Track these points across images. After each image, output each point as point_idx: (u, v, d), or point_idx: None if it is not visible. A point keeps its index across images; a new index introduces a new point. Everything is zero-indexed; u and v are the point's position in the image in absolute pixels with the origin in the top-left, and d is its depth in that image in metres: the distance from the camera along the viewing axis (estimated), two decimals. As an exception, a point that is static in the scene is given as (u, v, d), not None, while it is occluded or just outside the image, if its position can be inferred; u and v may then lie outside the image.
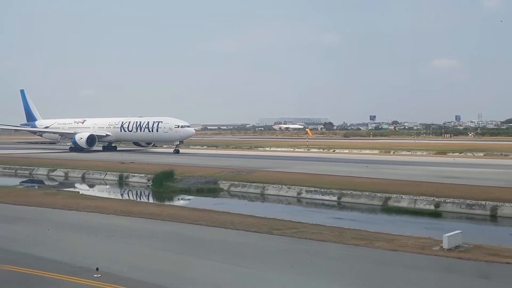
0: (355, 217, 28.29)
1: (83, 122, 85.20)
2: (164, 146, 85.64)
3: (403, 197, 30.67)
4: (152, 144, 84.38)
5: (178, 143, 71.91)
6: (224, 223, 20.25)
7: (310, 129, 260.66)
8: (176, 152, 69.87)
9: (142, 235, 18.42)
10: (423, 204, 29.61)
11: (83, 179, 44.62)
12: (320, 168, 44.39)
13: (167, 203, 31.98)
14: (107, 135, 78.74)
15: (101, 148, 78.63)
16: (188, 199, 35.13)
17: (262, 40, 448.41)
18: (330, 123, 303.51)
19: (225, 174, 40.83)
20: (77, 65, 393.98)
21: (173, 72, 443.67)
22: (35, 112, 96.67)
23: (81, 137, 74.05)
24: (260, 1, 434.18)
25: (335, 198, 32.77)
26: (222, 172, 41.47)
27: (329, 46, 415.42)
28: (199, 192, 36.17)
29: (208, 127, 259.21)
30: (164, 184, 37.19)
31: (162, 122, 72.60)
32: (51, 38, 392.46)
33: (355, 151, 79.56)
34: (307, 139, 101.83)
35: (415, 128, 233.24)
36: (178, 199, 35.17)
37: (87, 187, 42.37)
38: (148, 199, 36.29)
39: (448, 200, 29.20)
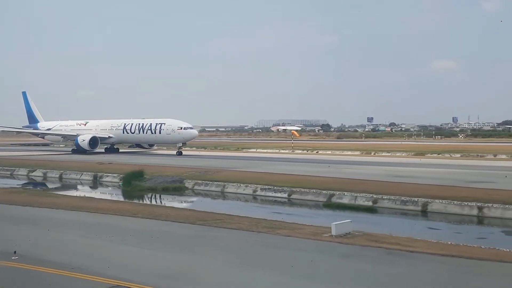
0: (292, 211, 30.70)
1: (85, 124, 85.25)
2: (164, 148, 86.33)
3: (346, 194, 33.09)
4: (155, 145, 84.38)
5: (181, 145, 72.02)
6: (158, 215, 22.74)
7: (308, 131, 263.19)
8: (179, 154, 69.91)
9: (72, 225, 20.75)
10: (363, 200, 32.02)
11: (60, 179, 47.04)
12: (287, 168, 46.79)
13: (124, 200, 34.46)
14: (109, 137, 78.79)
15: (103, 150, 78.82)
16: (147, 197, 37.29)
17: (262, 42, 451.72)
18: (328, 125, 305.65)
19: (193, 173, 43.31)
20: (78, 66, 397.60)
21: (173, 74, 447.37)
22: (37, 114, 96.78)
23: (84, 139, 74.17)
24: (260, 3, 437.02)
25: (285, 195, 35.28)
26: (190, 172, 43.95)
27: (329, 47, 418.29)
28: (165, 190, 38.57)
29: (206, 129, 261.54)
30: (132, 183, 39.63)
31: (165, 123, 72.61)
32: (51, 39, 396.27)
33: (338, 152, 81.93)
34: (292, 141, 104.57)
35: (411, 129, 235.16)
36: (138, 197, 37.08)
37: (58, 186, 44.29)
38: (110, 197, 38.08)
39: (385, 197, 31.59)
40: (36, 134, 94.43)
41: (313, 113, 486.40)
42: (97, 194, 39.73)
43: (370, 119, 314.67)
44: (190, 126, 72.79)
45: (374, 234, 19.23)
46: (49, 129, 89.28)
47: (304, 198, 34.28)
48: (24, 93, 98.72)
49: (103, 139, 77.51)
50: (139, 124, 76.24)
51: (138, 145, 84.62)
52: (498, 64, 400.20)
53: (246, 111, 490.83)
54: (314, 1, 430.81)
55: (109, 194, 39.44)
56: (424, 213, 29.27)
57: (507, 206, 27.37)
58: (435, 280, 13.22)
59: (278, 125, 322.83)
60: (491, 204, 27.89)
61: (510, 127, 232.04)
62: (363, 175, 39.74)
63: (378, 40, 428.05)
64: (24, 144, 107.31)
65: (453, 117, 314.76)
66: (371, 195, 32.14)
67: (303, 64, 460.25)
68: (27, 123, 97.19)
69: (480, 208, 27.95)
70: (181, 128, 70.87)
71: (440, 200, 29.66)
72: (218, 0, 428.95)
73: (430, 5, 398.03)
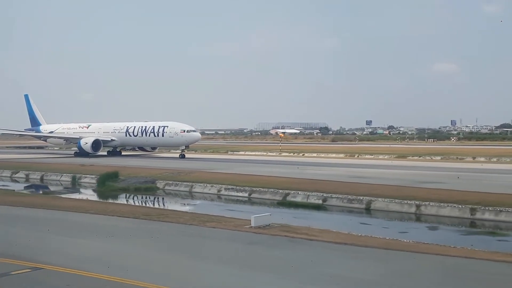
0: (244, 209, 32.86)
1: (88, 127, 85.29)
2: (164, 150, 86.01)
3: (299, 193, 35.30)
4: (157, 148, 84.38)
5: (184, 147, 72.00)
6: (110, 211, 24.87)
7: (306, 134, 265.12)
8: (182, 157, 69.98)
9: (19, 220, 22.82)
10: (314, 199, 34.22)
11: (41, 180, 49.30)
12: (259, 169, 48.93)
13: (87, 199, 36.65)
14: (112, 140, 78.77)
15: (105, 153, 79.12)
16: (112, 196, 39.09)
17: (263, 44, 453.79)
18: (326, 128, 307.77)
19: (166, 174, 45.64)
20: (79, 68, 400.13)
21: (173, 76, 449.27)
22: (40, 117, 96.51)
23: (86, 142, 74.09)
24: (258, 6, 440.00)
25: (246, 195, 37.52)
26: (164, 173, 46.26)
27: (329, 50, 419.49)
28: (136, 190, 40.83)
29: (206, 132, 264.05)
30: (106, 183, 41.97)
31: (167, 126, 72.60)
32: (52, 41, 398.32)
33: (323, 155, 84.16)
34: (280, 144, 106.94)
35: (409, 132, 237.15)
36: (107, 196, 38.87)
37: (33, 187, 46.18)
38: (78, 196, 39.58)
39: (334, 196, 33.79)
40: (39, 137, 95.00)
41: (313, 116, 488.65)
42: (66, 193, 41.78)
43: (368, 122, 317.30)
44: (193, 129, 73.13)
45: (291, 226, 21.49)
46: (51, 132, 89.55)
47: (262, 197, 36.52)
48: (26, 96, 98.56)
49: (105, 142, 77.39)
50: (142, 127, 76.28)
51: (141, 148, 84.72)
52: (498, 67, 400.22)
53: (246, 114, 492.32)
54: (314, 5, 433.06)
55: (79, 193, 41.75)
56: (368, 210, 31.42)
57: (442, 204, 29.52)
58: (308, 260, 15.50)
59: (278, 128, 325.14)
60: (428, 203, 30.06)
61: (507, 130, 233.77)
62: (325, 176, 41.89)
63: (378, 43, 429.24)
64: (19, 147, 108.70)
65: (451, 120, 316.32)
66: (322, 194, 34.33)
67: (304, 67, 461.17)
68: (29, 126, 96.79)
69: (417, 206, 30.08)
70: (184, 131, 71.10)
71: (383, 199, 31.80)
72: (218, 3, 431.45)
73: (430, 7, 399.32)
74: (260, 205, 34.75)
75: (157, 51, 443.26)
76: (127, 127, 78.54)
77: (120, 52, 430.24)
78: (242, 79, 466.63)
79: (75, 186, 46.07)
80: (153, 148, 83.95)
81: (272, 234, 19.29)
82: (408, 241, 20.01)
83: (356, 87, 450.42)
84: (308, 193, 34.85)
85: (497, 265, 15.10)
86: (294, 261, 15.41)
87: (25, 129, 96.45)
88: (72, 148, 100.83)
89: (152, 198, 39.58)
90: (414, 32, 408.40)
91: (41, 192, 41.71)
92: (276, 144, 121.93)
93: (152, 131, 74.15)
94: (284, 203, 34.53)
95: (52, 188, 45.51)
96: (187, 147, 73.18)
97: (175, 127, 71.96)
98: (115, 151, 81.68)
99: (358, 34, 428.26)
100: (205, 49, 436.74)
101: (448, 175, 41.81)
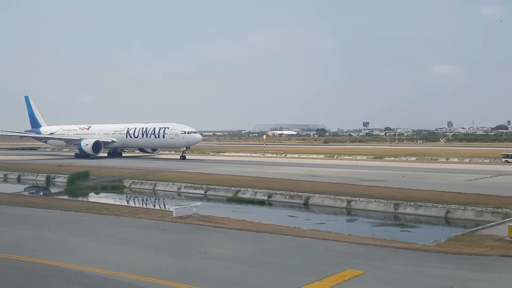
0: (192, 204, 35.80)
1: (88, 128, 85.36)
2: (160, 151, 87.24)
3: (248, 190, 37.92)
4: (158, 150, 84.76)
5: (185, 149, 72.09)
6: (57, 206, 27.45)
7: (304, 135, 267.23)
8: (183, 158, 70.58)
9: None
10: (261, 195, 36.82)
11: (18, 180, 51.84)
12: (227, 169, 51.49)
13: (47, 196, 39.34)
14: (112, 141, 78.88)
15: (106, 155, 79.43)
16: (77, 194, 41.48)
17: (263, 47, 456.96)
18: (323, 129, 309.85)
19: (135, 173, 48.34)
20: (79, 70, 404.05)
21: (173, 77, 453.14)
22: (40, 118, 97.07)
23: (87, 144, 74.22)
24: (258, 9, 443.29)
25: (202, 192, 40.16)
26: (135, 173, 48.95)
27: (329, 52, 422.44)
28: (104, 188, 43.45)
29: (204, 133, 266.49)
30: (75, 182, 44.67)
31: (168, 128, 72.52)
32: (51, 42, 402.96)
33: (304, 156, 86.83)
34: (264, 145, 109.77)
35: (405, 134, 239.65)
36: (72, 194, 41.48)
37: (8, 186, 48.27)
38: (41, 193, 41.80)
39: (278, 192, 36.44)
40: (39, 139, 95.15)
41: (312, 117, 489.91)
42: (35, 192, 44.18)
43: (365, 124, 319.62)
44: (194, 130, 72.94)
45: (211, 216, 24.26)
46: (51, 134, 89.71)
47: (216, 194, 39.15)
48: (26, 98, 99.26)
49: (106, 143, 77.44)
50: (143, 128, 76.02)
51: (142, 150, 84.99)
52: (496, 69, 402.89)
53: (245, 116, 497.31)
54: (314, 7, 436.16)
55: (45, 191, 44.38)
56: (306, 205, 34.05)
57: (370, 199, 32.12)
58: (197, 241, 18.22)
59: (276, 129, 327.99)
60: (358, 198, 32.68)
61: (503, 132, 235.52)
62: (281, 175, 44.46)
63: (378, 45, 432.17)
64: (13, 148, 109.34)
65: (448, 122, 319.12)
66: (268, 191, 36.97)
67: (303, 69, 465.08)
68: (30, 128, 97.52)
69: (348, 201, 32.69)
70: (185, 132, 71.09)
71: (320, 195, 34.48)
72: (217, 5, 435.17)
73: (429, 9, 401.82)
74: (212, 201, 37.50)
75: (156, 52, 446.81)
76: (128, 128, 78.63)
77: (119, 52, 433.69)
78: (242, 81, 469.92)
79: (49, 185, 48.72)
80: (154, 150, 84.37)
81: (186, 222, 21.94)
82: (303, 228, 22.79)
83: (355, 89, 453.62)
84: (256, 190, 37.47)
85: (344, 244, 18.13)
86: (184, 242, 18.12)
87: (25, 131, 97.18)
88: (64, 150, 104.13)
89: (112, 195, 41.73)
90: (414, 35, 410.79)
91: (11, 190, 44.00)
92: (261, 146, 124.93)
93: (152, 132, 74.13)
94: (234, 199, 37.14)
95: (22, 187, 47.95)
96: (188, 148, 73.53)
97: (176, 129, 72.13)
98: (115, 153, 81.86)
99: (359, 36, 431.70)
100: (205, 51, 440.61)
101: (396, 174, 44.41)
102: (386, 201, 31.37)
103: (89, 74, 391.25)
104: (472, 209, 28.14)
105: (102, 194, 41.56)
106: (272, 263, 15.12)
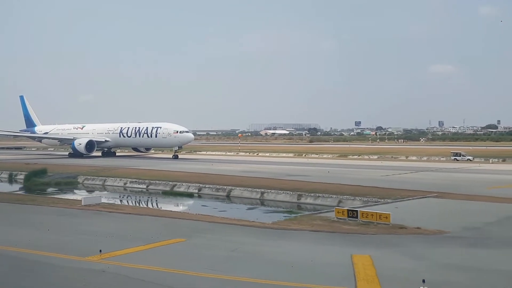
0: (128, 197, 40.13)
1: (82, 128, 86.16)
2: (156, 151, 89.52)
3: (183, 184, 41.87)
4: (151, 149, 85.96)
5: (177, 148, 73.20)
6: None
7: (296, 134, 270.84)
8: (175, 157, 71.49)
9: None
10: (192, 189, 40.74)
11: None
12: (181, 166, 55.50)
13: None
14: (106, 141, 79.73)
15: (100, 154, 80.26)
16: (30, 189, 44.76)
17: (259, 46, 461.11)
18: (315, 129, 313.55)
19: (91, 170, 52.35)
20: (76, 69, 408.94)
21: (169, 77, 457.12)
22: (35, 118, 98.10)
23: (80, 143, 74.95)
24: (255, 9, 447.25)
25: (144, 186, 44.06)
26: (91, 170, 52.94)
27: (325, 52, 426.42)
28: (57, 184, 47.27)
29: (198, 133, 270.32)
30: (31, 179, 48.58)
31: (161, 127, 73.58)
32: (49, 42, 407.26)
33: (274, 155, 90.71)
34: (239, 144, 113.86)
35: (395, 133, 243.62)
36: (25, 190, 44.90)
37: None
38: None
39: (207, 186, 40.42)
40: (33, 138, 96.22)
41: (307, 117, 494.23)
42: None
43: (357, 123, 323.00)
44: (186, 129, 73.97)
45: (118, 205, 28.58)
46: (46, 133, 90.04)
47: (156, 188, 43.08)
48: (21, 97, 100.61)
49: (99, 143, 78.28)
50: (136, 128, 77.05)
51: (135, 149, 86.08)
52: (491, 69, 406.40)
53: (241, 115, 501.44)
54: (311, 7, 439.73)
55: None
56: (228, 197, 37.95)
57: (279, 191, 36.09)
58: (81, 222, 22.18)
59: (269, 129, 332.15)
60: (270, 190, 36.64)
61: (491, 131, 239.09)
62: (223, 171, 48.43)
63: (374, 45, 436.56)
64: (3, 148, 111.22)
65: (439, 121, 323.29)
66: (199, 184, 40.96)
67: (298, 69, 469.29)
68: (24, 127, 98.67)
69: (262, 193, 36.66)
70: (177, 131, 72.18)
71: (240, 188, 38.45)
72: (213, 4, 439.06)
73: (425, 10, 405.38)
74: (146, 194, 41.53)
75: (155, 52, 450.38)
76: (121, 128, 79.60)
77: (118, 53, 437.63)
78: (238, 81, 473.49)
79: (11, 181, 52.60)
80: (148, 149, 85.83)
81: (89, 209, 25.92)
82: (191, 213, 26.78)
83: (350, 88, 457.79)
84: (190, 184, 41.48)
85: (198, 222, 22.29)
86: (69, 223, 22.15)
87: (20, 130, 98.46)
88: (49, 149, 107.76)
89: (56, 190, 44.67)
90: (410, 35, 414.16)
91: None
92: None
93: (145, 132, 75.30)
94: (171, 193, 41.06)
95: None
96: (180, 147, 74.96)
97: (168, 128, 73.32)
98: (110, 152, 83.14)
99: (356, 36, 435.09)
100: (201, 50, 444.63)
101: (324, 170, 48.36)
102: (292, 193, 35.33)
103: (88, 73, 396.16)
104: (359, 199, 31.98)
105: (50, 190, 45.21)
106: (128, 235, 19.12)
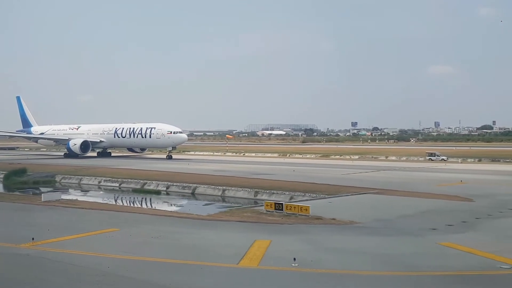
0: (94, 194, 42.16)
1: (77, 128, 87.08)
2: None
3: (153, 182, 43.94)
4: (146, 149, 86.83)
5: (171, 149, 74.52)
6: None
7: (293, 135, 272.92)
8: (169, 158, 72.58)
9: None
10: (161, 186, 42.76)
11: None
12: (160, 166, 57.77)
13: None
14: (101, 141, 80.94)
15: (95, 154, 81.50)
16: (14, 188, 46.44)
17: (257, 47, 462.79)
18: (311, 130, 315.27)
19: (69, 170, 54.44)
20: (73, 70, 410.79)
21: (167, 77, 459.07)
22: (31, 118, 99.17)
23: (75, 143, 76.12)
24: (252, 9, 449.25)
25: (117, 185, 46.14)
26: (69, 169, 55.03)
27: (323, 52, 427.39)
28: (35, 183, 49.22)
29: (194, 134, 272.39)
30: (10, 178, 50.61)
31: (155, 128, 74.82)
32: (46, 41, 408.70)
33: (260, 155, 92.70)
34: (227, 144, 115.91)
35: (391, 134, 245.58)
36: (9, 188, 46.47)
37: None
38: None
39: (175, 184, 42.48)
40: (29, 139, 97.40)
41: (304, 117, 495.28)
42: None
43: (354, 124, 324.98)
44: (180, 130, 75.19)
45: (74, 200, 30.46)
46: (42, 134, 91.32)
47: (128, 186, 45.13)
48: (18, 98, 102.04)
49: (94, 143, 79.49)
50: (130, 128, 78.09)
51: (130, 149, 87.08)
52: (489, 70, 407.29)
53: (238, 116, 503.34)
54: (310, 8, 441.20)
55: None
56: (193, 194, 39.96)
57: (238, 188, 38.16)
58: (38, 216, 24.23)
59: (267, 129, 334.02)
60: (230, 188, 38.70)
61: (486, 132, 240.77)
62: (197, 170, 50.58)
63: (373, 45, 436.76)
64: None
65: (435, 122, 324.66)
66: (167, 183, 43.05)
67: (298, 69, 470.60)
68: (21, 128, 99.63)
69: (223, 190, 38.70)
70: (171, 132, 73.42)
71: (204, 185, 40.54)
72: (212, 6, 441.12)
73: (425, 11, 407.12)
74: (116, 192, 43.63)
75: (154, 52, 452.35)
76: (116, 128, 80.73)
77: (116, 53, 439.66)
78: (235, 81, 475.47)
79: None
80: (143, 149, 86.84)
81: (47, 205, 27.83)
82: (139, 207, 28.88)
83: (347, 89, 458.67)
84: (159, 183, 43.55)
85: (141, 215, 24.30)
86: (19, 216, 24.20)
87: (16, 131, 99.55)
88: (42, 149, 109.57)
89: (33, 189, 46.15)
90: (408, 35, 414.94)
91: None
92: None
93: (139, 132, 76.55)
94: (140, 190, 43.15)
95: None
96: (174, 148, 76.27)
97: (162, 129, 74.52)
98: (105, 153, 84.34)
99: (354, 37, 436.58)
100: (199, 51, 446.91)
101: (290, 169, 50.42)
102: (250, 190, 37.39)
103: (86, 74, 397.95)
104: (309, 195, 33.83)
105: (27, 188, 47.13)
106: (69, 226, 21.09)
